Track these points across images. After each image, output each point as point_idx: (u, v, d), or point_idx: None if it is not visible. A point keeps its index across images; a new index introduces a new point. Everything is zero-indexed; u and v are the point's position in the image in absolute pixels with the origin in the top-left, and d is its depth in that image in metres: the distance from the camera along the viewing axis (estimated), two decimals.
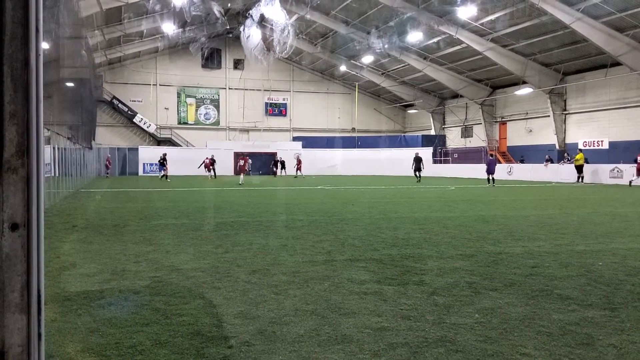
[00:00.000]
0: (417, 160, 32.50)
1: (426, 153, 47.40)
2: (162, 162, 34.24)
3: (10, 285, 1.22)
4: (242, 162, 30.69)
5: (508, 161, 41.90)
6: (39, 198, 1.26)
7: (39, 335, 1.26)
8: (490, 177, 27.96)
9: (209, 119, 52.80)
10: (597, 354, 3.40)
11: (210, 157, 37.31)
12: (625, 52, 29.42)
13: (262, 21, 33.66)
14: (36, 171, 1.25)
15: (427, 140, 49.79)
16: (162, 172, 36.21)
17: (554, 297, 4.80)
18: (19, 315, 1.23)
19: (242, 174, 30.06)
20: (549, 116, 38.60)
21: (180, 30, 41.55)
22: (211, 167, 36.33)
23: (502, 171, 37.55)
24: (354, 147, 51.75)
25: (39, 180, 1.26)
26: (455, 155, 47.25)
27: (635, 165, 27.15)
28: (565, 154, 35.80)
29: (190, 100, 52.08)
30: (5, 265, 1.22)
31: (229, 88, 52.73)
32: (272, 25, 32.70)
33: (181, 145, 49.34)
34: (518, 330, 3.87)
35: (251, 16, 31.24)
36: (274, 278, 5.56)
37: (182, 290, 5.03)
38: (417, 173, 32.44)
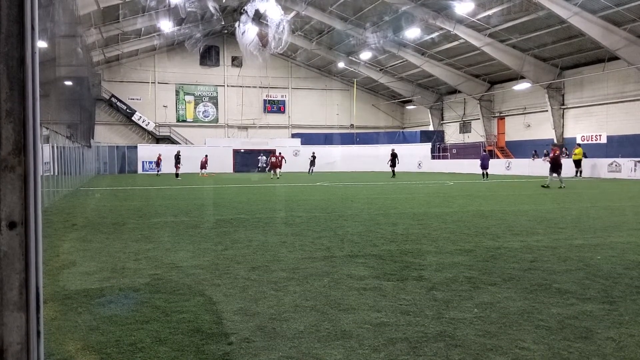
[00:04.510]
0: (393, 156, 33.75)
1: (425, 149, 47.47)
2: (177, 158, 34.86)
3: (9, 284, 1.22)
4: (273, 159, 33.62)
5: (507, 156, 41.89)
6: (37, 196, 1.26)
7: (38, 333, 1.27)
8: (485, 172, 28.22)
9: (208, 117, 52.71)
10: (595, 347, 3.41)
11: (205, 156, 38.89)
12: (623, 46, 29.39)
13: (258, 17, 33.61)
14: (33, 169, 1.25)
15: (425, 136, 49.78)
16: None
17: (552, 291, 4.82)
18: (18, 314, 1.23)
19: (276, 169, 32.94)
20: (547, 111, 38.57)
21: (177, 28, 41.46)
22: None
23: (500, 166, 37.60)
24: (353, 144, 51.73)
25: (36, 178, 1.26)
26: (454, 151, 47.27)
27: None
28: (564, 149, 35.79)
29: (188, 97, 51.98)
30: (3, 264, 1.22)
31: (227, 85, 52.62)
32: (267, 21, 32.70)
33: (180, 143, 49.28)
34: (517, 325, 3.88)
35: (246, 12, 31.27)
36: (273, 275, 5.57)
37: (182, 288, 5.04)
38: (392, 168, 33.74)
